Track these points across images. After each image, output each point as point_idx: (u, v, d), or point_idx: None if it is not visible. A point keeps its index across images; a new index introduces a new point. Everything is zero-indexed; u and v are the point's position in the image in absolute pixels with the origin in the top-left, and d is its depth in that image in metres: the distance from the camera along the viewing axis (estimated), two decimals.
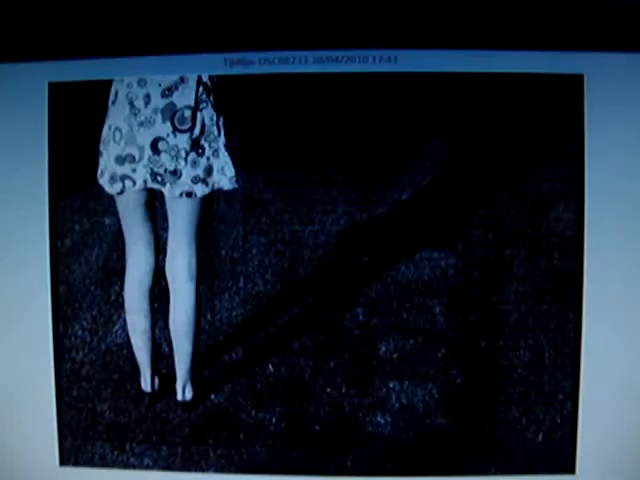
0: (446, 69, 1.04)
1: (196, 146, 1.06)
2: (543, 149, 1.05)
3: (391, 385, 1.09)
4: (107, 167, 1.07)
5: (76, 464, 1.11)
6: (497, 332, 1.07)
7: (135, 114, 1.05)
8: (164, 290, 1.12)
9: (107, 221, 1.13)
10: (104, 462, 1.11)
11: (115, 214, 1.11)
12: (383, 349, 1.10)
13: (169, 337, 1.13)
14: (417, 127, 1.06)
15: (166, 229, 1.10)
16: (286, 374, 1.10)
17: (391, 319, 1.11)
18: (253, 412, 1.10)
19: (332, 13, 1.04)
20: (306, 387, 1.09)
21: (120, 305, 1.11)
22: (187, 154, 1.05)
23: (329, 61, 1.05)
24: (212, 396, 1.13)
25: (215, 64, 1.07)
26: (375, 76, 1.05)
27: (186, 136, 1.05)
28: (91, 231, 1.13)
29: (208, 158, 1.06)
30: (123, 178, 1.06)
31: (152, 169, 1.05)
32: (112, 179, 1.06)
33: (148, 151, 1.05)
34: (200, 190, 1.07)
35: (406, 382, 1.09)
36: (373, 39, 1.04)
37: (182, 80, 1.05)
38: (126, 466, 1.10)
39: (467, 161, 1.05)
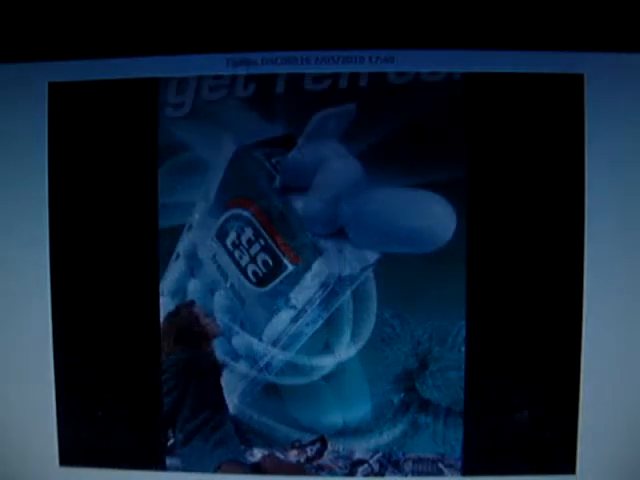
0: (444, 69, 1.04)
1: None
2: (542, 149, 1.05)
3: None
4: None
5: (76, 464, 1.11)
6: (496, 332, 1.07)
7: None
8: None
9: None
10: (104, 462, 1.11)
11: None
12: None
13: None
14: (416, 127, 1.06)
15: None
16: None
17: None
18: None
19: (329, 13, 1.05)
20: None
21: (119, 305, 1.11)
22: None
23: (325, 61, 1.06)
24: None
25: (217, 64, 1.07)
26: (373, 77, 1.05)
27: None
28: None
29: None
30: None
31: None
32: None
33: None
34: None
35: None
36: (370, 39, 1.05)
37: None
38: (126, 466, 1.10)
39: (466, 160, 1.05)
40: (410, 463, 1.08)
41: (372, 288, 1.07)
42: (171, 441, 1.10)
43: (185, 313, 1.11)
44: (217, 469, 1.09)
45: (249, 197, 1.09)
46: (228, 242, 1.10)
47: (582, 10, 1.02)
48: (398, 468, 1.09)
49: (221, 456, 1.10)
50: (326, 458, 1.09)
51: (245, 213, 1.09)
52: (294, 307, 1.08)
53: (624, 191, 1.03)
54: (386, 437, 1.09)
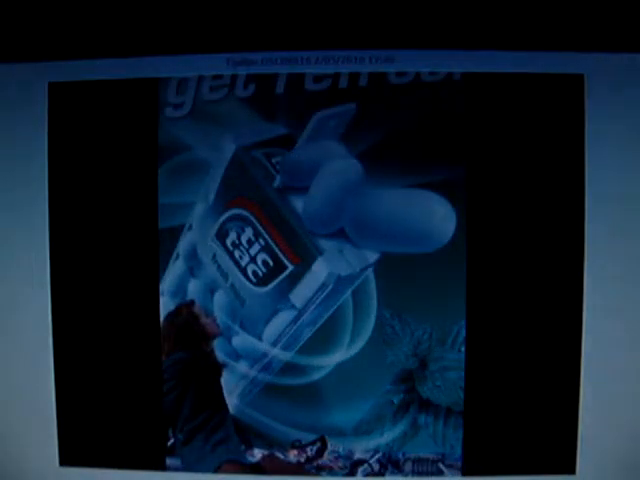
0: (444, 69, 1.04)
1: None
2: (543, 149, 1.05)
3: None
4: None
5: (76, 464, 1.11)
6: (494, 334, 1.07)
7: None
8: None
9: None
10: (104, 462, 1.11)
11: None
12: None
13: None
14: (416, 127, 1.06)
15: None
16: None
17: None
18: None
19: (329, 13, 1.05)
20: None
21: (119, 305, 1.11)
22: None
23: (325, 61, 1.06)
24: None
25: (217, 64, 1.07)
26: (374, 77, 1.05)
27: None
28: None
29: None
30: None
31: None
32: None
33: None
34: None
35: None
36: (370, 39, 1.05)
37: None
38: (126, 466, 1.10)
39: (465, 160, 1.05)
40: (410, 463, 1.08)
41: (372, 288, 1.07)
42: (171, 441, 1.10)
43: (185, 313, 1.11)
44: (217, 469, 1.09)
45: (249, 197, 1.09)
46: (228, 242, 1.10)
47: (582, 11, 1.02)
48: (398, 468, 1.09)
49: (221, 456, 1.10)
50: (326, 458, 1.09)
51: (245, 213, 1.09)
52: (294, 307, 1.08)
53: (624, 190, 1.03)
54: (386, 437, 1.09)
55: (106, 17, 1.07)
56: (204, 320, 1.10)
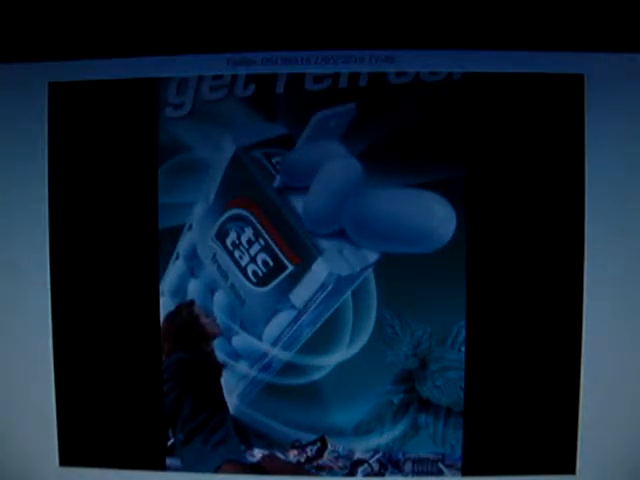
0: (444, 69, 1.04)
1: None
2: (543, 149, 1.05)
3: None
4: None
5: (76, 464, 1.11)
6: (494, 334, 1.07)
7: None
8: None
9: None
10: (104, 462, 1.11)
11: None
12: None
13: None
14: (416, 127, 1.06)
15: None
16: None
17: None
18: None
19: (329, 13, 1.05)
20: None
21: (119, 305, 1.11)
22: None
23: (325, 61, 1.06)
24: None
25: (217, 64, 1.07)
26: (373, 77, 1.06)
27: None
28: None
29: None
30: None
31: None
32: None
33: None
34: None
35: None
36: (370, 39, 1.05)
37: None
38: (126, 466, 1.10)
39: (465, 160, 1.05)
40: (410, 463, 1.08)
41: (372, 288, 1.07)
42: (171, 441, 1.10)
43: (185, 313, 1.11)
44: (217, 469, 1.10)
45: (249, 197, 1.09)
46: (228, 242, 1.10)
47: (582, 11, 1.02)
48: (398, 468, 1.09)
49: (221, 456, 1.10)
50: (326, 458, 1.09)
51: (245, 213, 1.09)
52: (294, 307, 1.08)
53: (624, 190, 1.03)
54: (386, 437, 1.09)
55: (106, 17, 1.07)
56: (204, 320, 1.10)
